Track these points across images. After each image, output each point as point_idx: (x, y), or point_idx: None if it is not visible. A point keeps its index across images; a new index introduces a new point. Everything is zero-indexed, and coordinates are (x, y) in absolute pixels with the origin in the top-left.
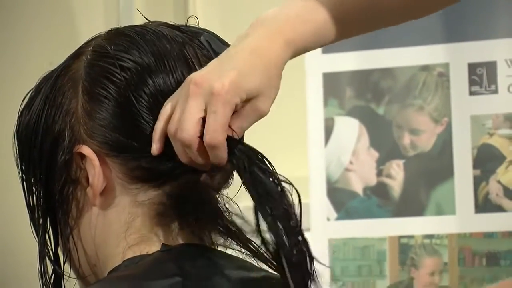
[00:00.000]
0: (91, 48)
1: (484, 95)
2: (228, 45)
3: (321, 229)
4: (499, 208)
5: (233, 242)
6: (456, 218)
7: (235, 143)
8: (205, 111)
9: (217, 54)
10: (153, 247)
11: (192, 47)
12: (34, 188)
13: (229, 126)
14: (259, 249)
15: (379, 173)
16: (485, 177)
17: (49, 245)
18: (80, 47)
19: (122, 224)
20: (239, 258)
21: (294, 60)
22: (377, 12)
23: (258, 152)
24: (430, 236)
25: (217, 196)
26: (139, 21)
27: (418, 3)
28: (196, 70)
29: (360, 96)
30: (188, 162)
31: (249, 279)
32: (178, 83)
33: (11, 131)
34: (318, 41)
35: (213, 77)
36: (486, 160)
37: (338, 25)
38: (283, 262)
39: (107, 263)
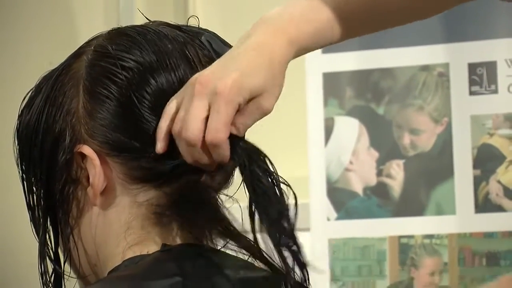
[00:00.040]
0: (92, 47)
1: (484, 95)
2: (229, 45)
3: (321, 229)
4: (499, 208)
5: (233, 242)
6: (456, 218)
7: (237, 141)
8: (210, 110)
9: (218, 54)
10: (153, 247)
11: (193, 47)
12: (34, 188)
13: (233, 125)
14: (259, 249)
15: (379, 173)
16: (485, 177)
17: (50, 244)
18: (81, 47)
19: (122, 224)
20: (239, 258)
21: (294, 60)
22: (381, 12)
23: (261, 151)
24: (430, 236)
25: (217, 196)
26: (139, 20)
27: (424, 3)
28: (198, 69)
29: (360, 96)
30: (193, 162)
31: (249, 279)
32: (180, 82)
33: (11, 130)
34: (322, 41)
35: (217, 77)
36: (486, 160)
37: (343, 25)
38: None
39: (107, 263)
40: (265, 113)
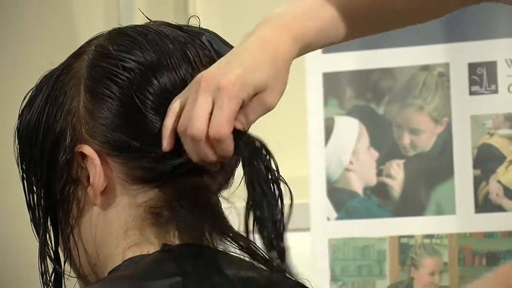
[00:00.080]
0: (93, 47)
1: (484, 95)
2: (229, 45)
3: (321, 229)
4: (499, 208)
5: (233, 242)
6: (456, 218)
7: (241, 136)
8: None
9: (218, 54)
10: (153, 247)
11: (194, 47)
12: (34, 187)
13: (236, 120)
14: (258, 250)
15: (379, 173)
16: (485, 177)
17: (50, 244)
18: (82, 46)
19: (122, 224)
20: (239, 257)
21: (294, 60)
22: (385, 12)
23: (264, 146)
24: (430, 236)
25: (217, 196)
26: (139, 20)
27: (426, 5)
28: (199, 69)
29: (360, 96)
30: (199, 160)
31: (249, 279)
32: (182, 82)
33: (12, 130)
34: (326, 39)
35: (221, 73)
36: (486, 160)
37: (347, 24)
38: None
39: (107, 262)
40: (268, 109)
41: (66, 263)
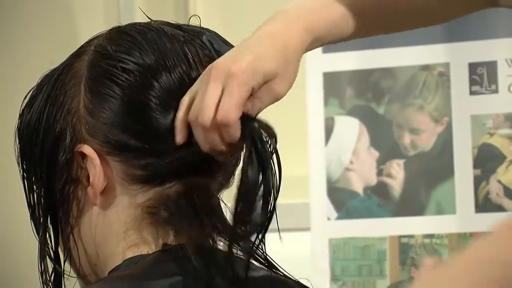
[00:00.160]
0: (92, 48)
1: (484, 94)
2: (230, 45)
3: (322, 229)
4: (500, 208)
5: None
6: (456, 217)
7: (248, 123)
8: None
9: (219, 53)
10: (153, 247)
11: (194, 46)
12: (34, 187)
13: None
14: (258, 250)
15: (380, 173)
16: (486, 176)
17: (50, 244)
18: (82, 46)
19: (122, 224)
20: (239, 257)
21: None
22: (390, 12)
23: (272, 134)
24: (430, 236)
25: (217, 196)
26: (139, 20)
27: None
28: (198, 69)
29: (361, 95)
30: (209, 149)
31: (249, 279)
32: (181, 81)
33: (12, 130)
34: (335, 35)
35: (232, 61)
36: (486, 160)
37: (356, 21)
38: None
39: (108, 262)
40: (277, 98)
41: (66, 263)
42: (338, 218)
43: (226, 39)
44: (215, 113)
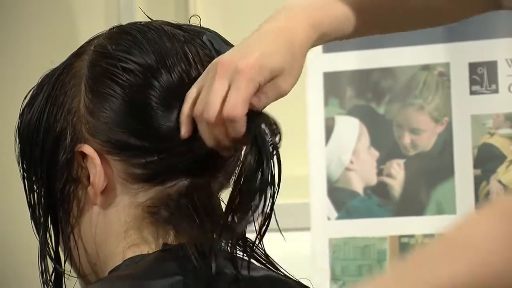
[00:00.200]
0: (93, 47)
1: (484, 94)
2: (230, 45)
3: (322, 229)
4: None
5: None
6: (456, 217)
7: (254, 119)
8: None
9: (219, 53)
10: (154, 246)
11: (194, 46)
12: (35, 187)
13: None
14: (258, 249)
15: (380, 173)
16: (486, 176)
17: (50, 243)
18: (82, 46)
19: (122, 223)
20: (240, 257)
21: None
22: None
23: (274, 130)
24: (430, 236)
25: (218, 196)
26: (139, 20)
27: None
28: (198, 68)
29: (361, 95)
30: (214, 144)
31: (249, 278)
32: (181, 80)
33: (12, 129)
34: (340, 31)
35: (239, 57)
36: (486, 160)
37: (357, 19)
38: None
39: (108, 262)
40: (282, 94)
41: (66, 262)
42: (338, 218)
43: (226, 39)
44: (221, 108)
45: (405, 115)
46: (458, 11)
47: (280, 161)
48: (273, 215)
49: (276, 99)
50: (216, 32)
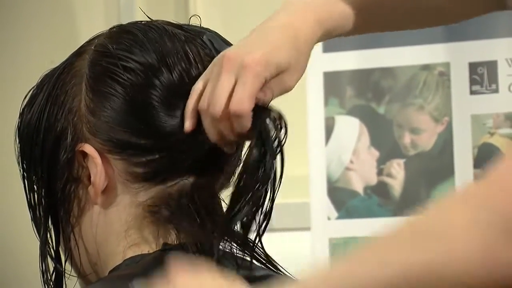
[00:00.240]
0: (93, 47)
1: (485, 94)
2: (230, 45)
3: (322, 228)
4: None
5: (233, 242)
6: None
7: (260, 114)
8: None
9: (219, 53)
10: (154, 246)
11: (195, 46)
12: (35, 186)
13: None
14: (259, 249)
15: (380, 172)
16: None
17: (51, 243)
18: (83, 45)
19: (122, 223)
20: (240, 256)
21: None
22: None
23: (279, 125)
24: None
25: (218, 196)
26: (140, 20)
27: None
28: (198, 67)
29: (361, 95)
30: (217, 139)
31: (250, 278)
32: (182, 79)
33: (12, 129)
34: (343, 27)
35: (245, 52)
36: (486, 160)
37: (358, 16)
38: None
39: (108, 261)
40: (286, 89)
41: (66, 262)
42: (338, 217)
43: (226, 39)
44: (227, 103)
45: (405, 115)
46: (460, 11)
47: (283, 155)
48: (273, 215)
49: (281, 94)
50: (216, 32)
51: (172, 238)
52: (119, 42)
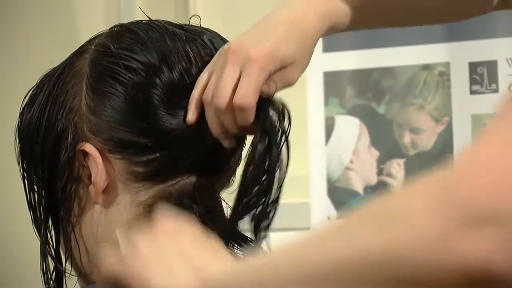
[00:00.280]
0: (94, 46)
1: (485, 94)
2: None
3: None
4: None
5: (234, 242)
6: None
7: (264, 107)
8: (240, 76)
9: None
10: None
11: (195, 45)
12: (35, 186)
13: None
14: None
15: (380, 172)
16: None
17: (51, 243)
18: (83, 45)
19: (123, 222)
20: (241, 256)
21: None
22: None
23: (283, 115)
24: None
25: (219, 195)
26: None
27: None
28: (199, 67)
29: (361, 95)
30: (219, 132)
31: None
32: (183, 78)
33: (12, 129)
34: (343, 23)
35: (251, 44)
36: None
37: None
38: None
39: None
40: (288, 84)
41: (67, 262)
42: (338, 217)
43: (226, 39)
44: (232, 95)
45: (405, 114)
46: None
47: (289, 146)
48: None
49: (283, 88)
50: (216, 32)
51: None
52: (120, 41)
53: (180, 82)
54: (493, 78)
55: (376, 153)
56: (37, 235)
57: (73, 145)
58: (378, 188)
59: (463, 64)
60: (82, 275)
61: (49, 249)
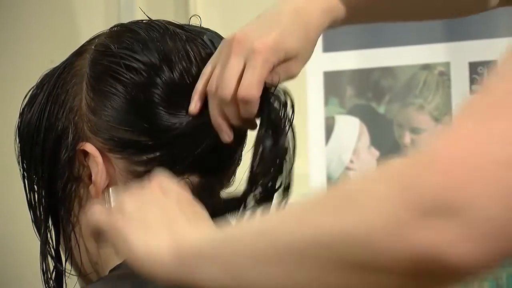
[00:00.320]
0: (94, 46)
1: None
2: None
3: None
4: None
5: None
6: None
7: (267, 99)
8: (245, 67)
9: None
10: None
11: (196, 45)
12: (35, 186)
13: None
14: None
15: None
16: None
17: (51, 243)
18: (83, 45)
19: None
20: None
21: None
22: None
23: (288, 108)
24: None
25: (219, 195)
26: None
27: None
28: (199, 66)
29: (361, 95)
30: (220, 123)
31: None
32: (183, 78)
33: (12, 129)
34: (342, 18)
35: (256, 36)
36: None
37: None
38: None
39: (109, 261)
40: (291, 77)
41: (67, 262)
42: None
43: None
44: (236, 87)
45: (405, 114)
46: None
47: (294, 134)
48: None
49: (285, 80)
50: (216, 32)
51: None
52: (121, 41)
53: (180, 82)
54: None
55: (376, 153)
56: (37, 235)
57: (73, 144)
58: None
59: (463, 64)
60: (82, 275)
61: (49, 249)
